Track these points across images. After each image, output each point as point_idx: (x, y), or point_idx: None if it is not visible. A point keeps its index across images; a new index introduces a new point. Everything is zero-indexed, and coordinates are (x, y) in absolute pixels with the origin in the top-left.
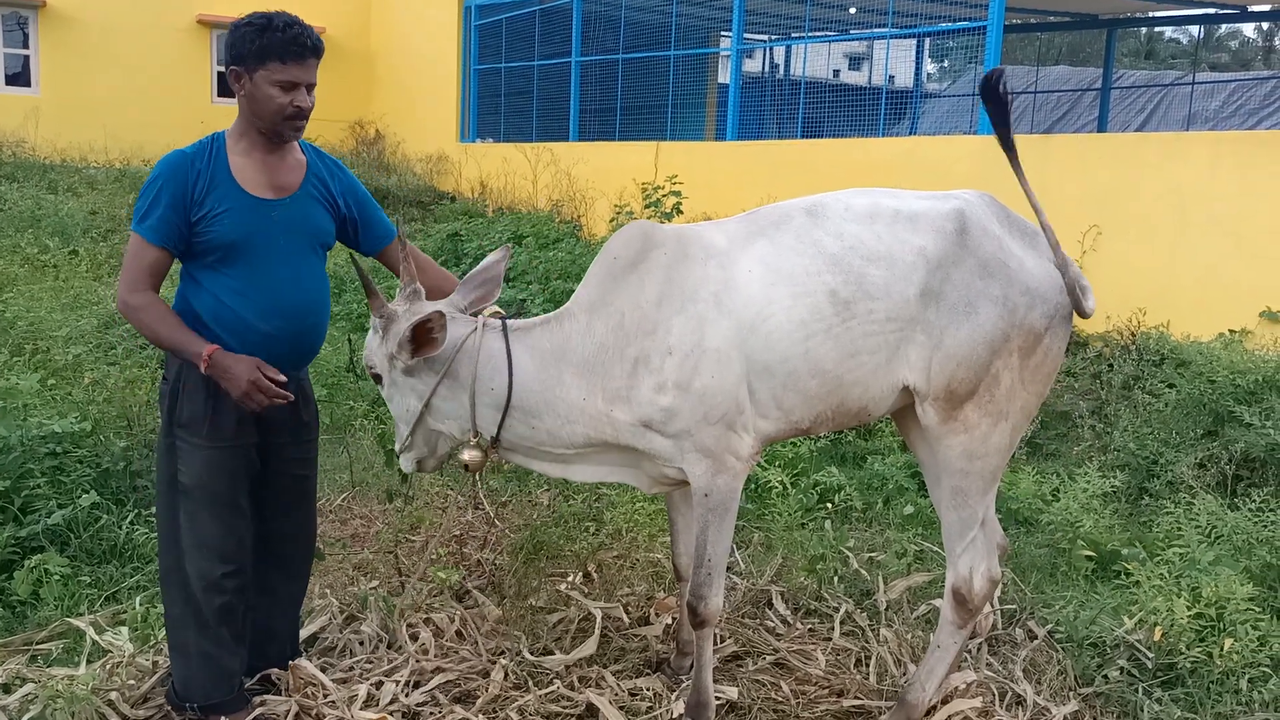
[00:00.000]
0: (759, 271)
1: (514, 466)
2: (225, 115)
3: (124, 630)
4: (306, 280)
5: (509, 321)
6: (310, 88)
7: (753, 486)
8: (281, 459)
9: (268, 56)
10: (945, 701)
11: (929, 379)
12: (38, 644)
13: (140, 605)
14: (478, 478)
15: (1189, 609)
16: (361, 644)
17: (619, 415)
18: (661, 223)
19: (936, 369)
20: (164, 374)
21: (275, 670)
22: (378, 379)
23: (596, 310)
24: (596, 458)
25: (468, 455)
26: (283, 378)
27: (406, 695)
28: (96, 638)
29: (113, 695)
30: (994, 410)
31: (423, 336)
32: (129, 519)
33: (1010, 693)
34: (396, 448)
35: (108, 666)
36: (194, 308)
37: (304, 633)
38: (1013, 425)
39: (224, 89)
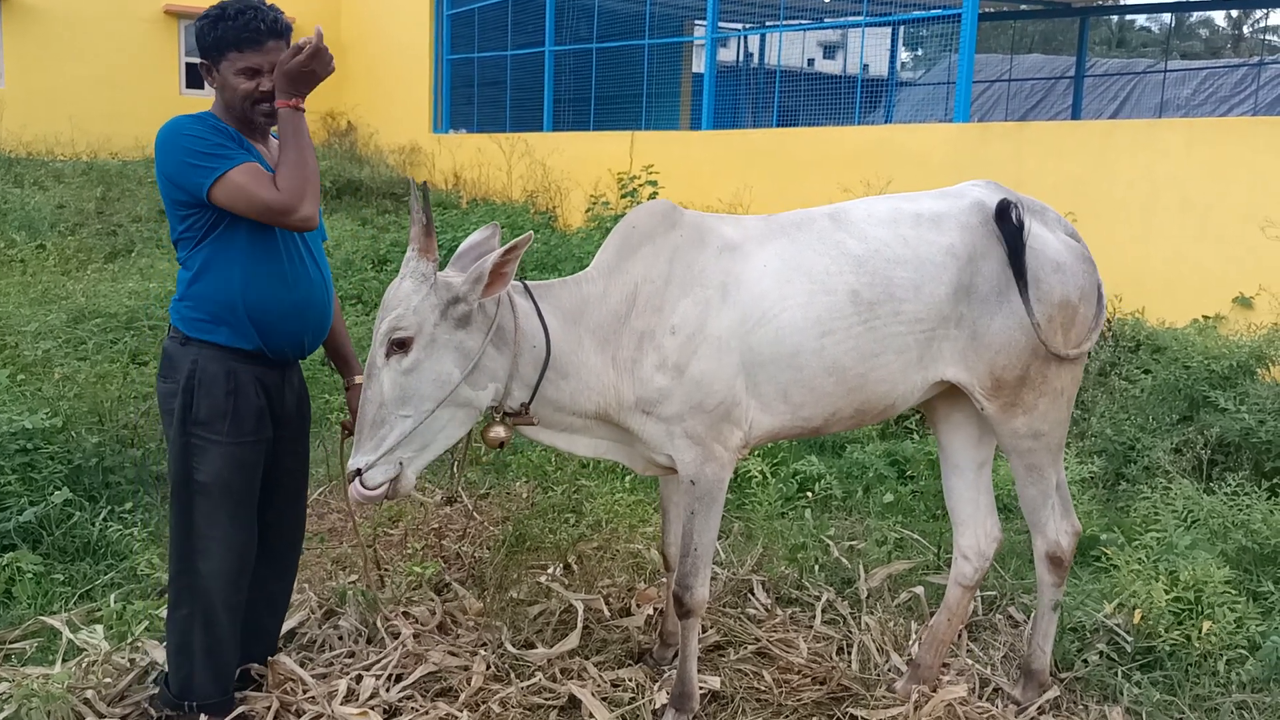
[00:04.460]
0: (775, 267)
1: (494, 458)
2: (194, 106)
3: (99, 628)
4: (319, 254)
5: (527, 283)
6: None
7: (733, 476)
8: (286, 454)
9: (225, 46)
10: (934, 690)
11: (969, 370)
12: (11, 643)
13: (115, 603)
14: (455, 470)
15: (1167, 593)
16: (341, 639)
17: (624, 390)
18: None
19: (975, 360)
20: (164, 375)
21: (255, 666)
22: (402, 346)
23: (613, 276)
24: (597, 431)
25: (500, 431)
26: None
27: (387, 690)
28: (71, 636)
29: (89, 694)
30: (1049, 389)
31: (499, 269)
32: (102, 515)
33: (991, 679)
34: (367, 458)
35: (83, 665)
36: (220, 285)
37: (283, 628)
38: (1068, 398)
39: (192, 80)
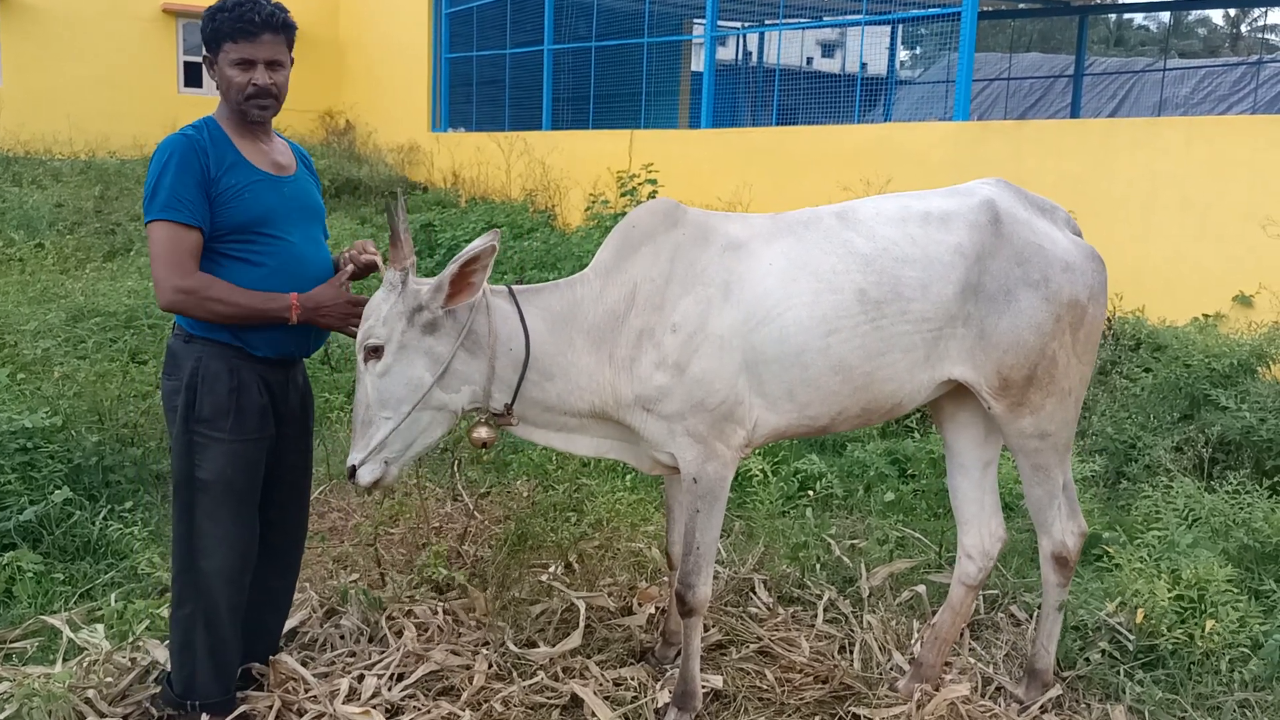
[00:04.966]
0: (781, 265)
1: (494, 456)
2: (192, 105)
3: (99, 628)
4: (321, 251)
5: (514, 286)
6: (272, 64)
7: (734, 475)
8: (289, 452)
9: (221, 38)
10: (937, 688)
11: (976, 369)
12: (11, 643)
13: (116, 602)
14: (455, 470)
15: (1169, 591)
16: (342, 638)
17: (621, 388)
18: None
19: (982, 359)
20: (168, 373)
21: (257, 665)
22: (375, 352)
23: (611, 276)
24: (598, 430)
25: (483, 433)
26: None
27: (389, 689)
28: (72, 635)
29: (90, 693)
30: (1056, 389)
31: (463, 279)
32: (102, 514)
33: (994, 678)
34: (359, 456)
35: (84, 664)
36: None
37: (285, 627)
38: (1075, 398)
39: (190, 79)
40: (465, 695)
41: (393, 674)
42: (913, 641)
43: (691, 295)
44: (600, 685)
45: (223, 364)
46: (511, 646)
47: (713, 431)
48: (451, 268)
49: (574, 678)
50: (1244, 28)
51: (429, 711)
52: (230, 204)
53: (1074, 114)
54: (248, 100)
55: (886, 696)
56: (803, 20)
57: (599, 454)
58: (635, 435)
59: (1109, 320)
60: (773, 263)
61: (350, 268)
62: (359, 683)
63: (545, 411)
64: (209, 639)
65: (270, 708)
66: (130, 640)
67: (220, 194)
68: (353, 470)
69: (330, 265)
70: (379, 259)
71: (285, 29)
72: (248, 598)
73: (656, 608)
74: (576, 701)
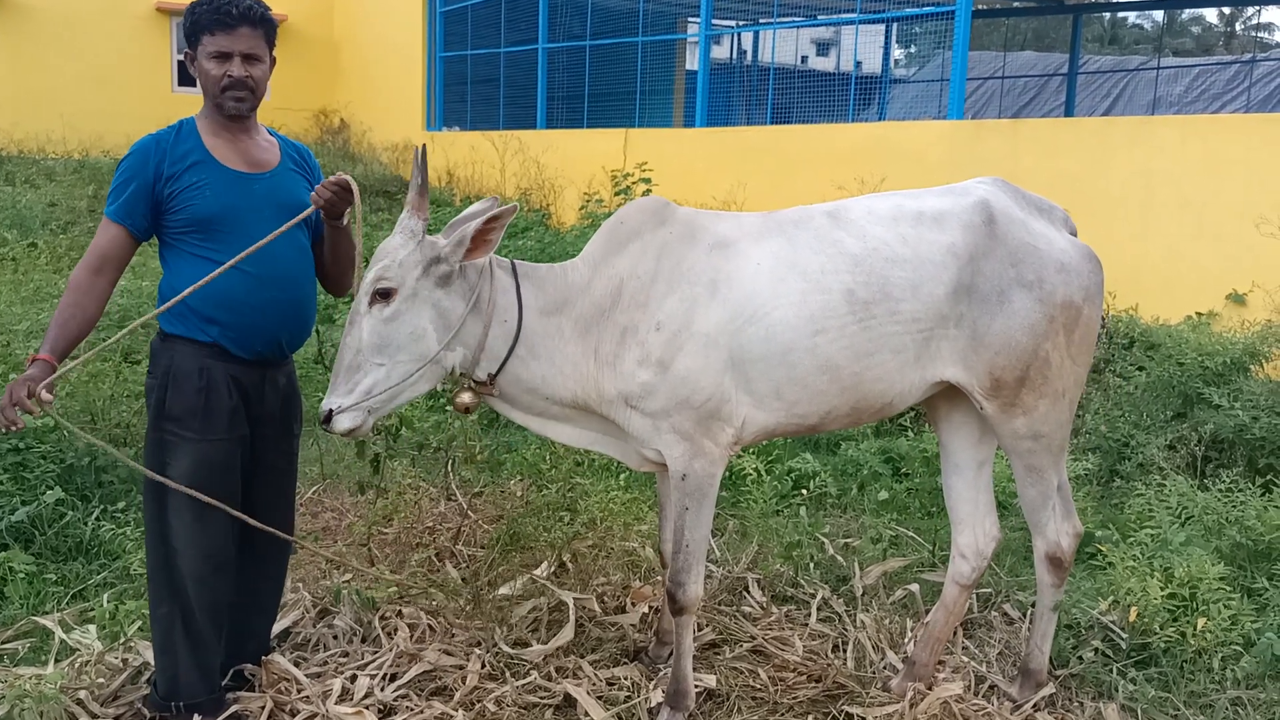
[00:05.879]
0: (769, 265)
1: (488, 456)
2: (186, 104)
3: (91, 628)
4: (293, 251)
5: (516, 262)
6: (249, 58)
7: (727, 474)
8: (268, 453)
9: (200, 31)
10: (930, 687)
11: (968, 370)
12: (3, 643)
13: (108, 603)
14: (449, 469)
15: (1162, 589)
16: (335, 638)
17: (604, 383)
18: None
19: (974, 360)
20: (149, 368)
21: (249, 666)
22: (384, 296)
23: (598, 269)
24: (580, 421)
25: (465, 398)
26: (48, 396)
27: (382, 689)
28: (64, 636)
29: (81, 694)
30: (1050, 390)
31: (484, 236)
32: (94, 515)
33: (987, 677)
34: (339, 401)
35: (76, 665)
36: (183, 281)
37: (276, 627)
38: (1069, 400)
39: (184, 78)
40: (458, 695)
41: (385, 674)
42: (906, 640)
43: (677, 293)
44: (593, 685)
45: (194, 363)
46: (504, 646)
47: (699, 429)
48: (476, 222)
49: (567, 677)
50: (1238, 26)
51: (422, 712)
52: (190, 200)
53: (1068, 112)
54: (223, 92)
55: (880, 695)
56: (797, 19)
57: (580, 444)
58: (622, 431)
59: (1102, 318)
60: (761, 262)
61: (45, 393)
62: (351, 683)
63: (526, 392)
64: (188, 638)
65: (263, 708)
66: (122, 641)
67: (177, 191)
68: (329, 415)
69: (308, 263)
70: (353, 184)
71: (264, 24)
72: (233, 599)
73: (650, 607)
74: (570, 701)
